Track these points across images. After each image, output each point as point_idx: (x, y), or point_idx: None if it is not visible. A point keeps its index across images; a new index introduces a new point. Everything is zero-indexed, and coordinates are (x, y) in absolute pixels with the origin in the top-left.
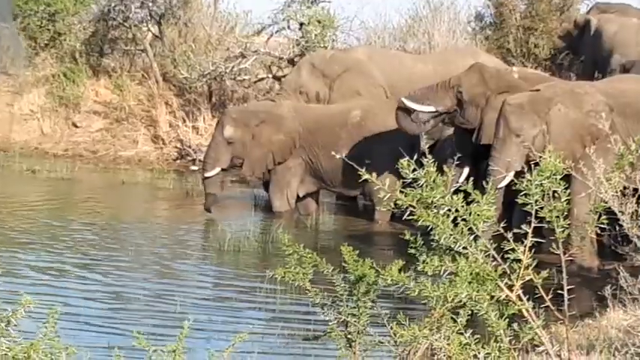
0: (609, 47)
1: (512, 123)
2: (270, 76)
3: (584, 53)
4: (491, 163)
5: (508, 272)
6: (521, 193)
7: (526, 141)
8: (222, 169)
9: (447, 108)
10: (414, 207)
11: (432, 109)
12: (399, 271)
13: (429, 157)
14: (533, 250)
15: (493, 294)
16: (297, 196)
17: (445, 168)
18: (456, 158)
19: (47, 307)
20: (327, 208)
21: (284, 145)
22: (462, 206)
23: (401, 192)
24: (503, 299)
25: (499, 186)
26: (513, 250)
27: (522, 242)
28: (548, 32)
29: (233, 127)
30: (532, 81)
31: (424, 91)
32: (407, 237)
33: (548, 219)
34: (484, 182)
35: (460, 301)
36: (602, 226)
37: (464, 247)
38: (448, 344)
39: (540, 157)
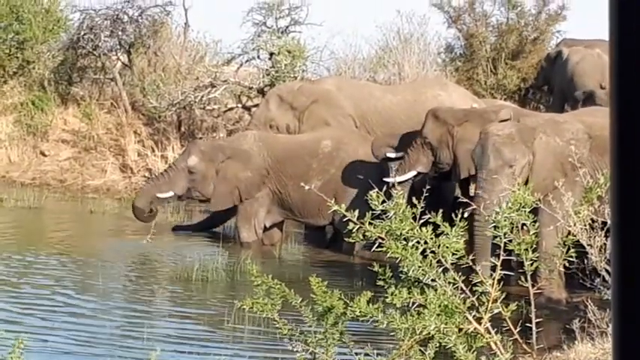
0: (570, 77)
1: (505, 154)
2: (240, 105)
3: (554, 84)
4: (482, 195)
5: (476, 305)
6: (490, 226)
7: (516, 172)
8: (177, 196)
9: (427, 165)
10: (383, 238)
11: (414, 173)
12: (368, 302)
13: (399, 188)
14: (501, 283)
15: (461, 326)
16: (264, 227)
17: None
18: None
19: (12, 338)
20: (295, 238)
21: (251, 183)
22: (431, 238)
23: (370, 223)
24: (472, 332)
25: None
26: (482, 282)
27: (491, 275)
28: (518, 65)
29: (198, 159)
30: (498, 112)
31: (400, 164)
32: (376, 268)
33: (517, 252)
34: (452, 213)
35: (428, 334)
36: (571, 259)
37: (432, 280)
38: None
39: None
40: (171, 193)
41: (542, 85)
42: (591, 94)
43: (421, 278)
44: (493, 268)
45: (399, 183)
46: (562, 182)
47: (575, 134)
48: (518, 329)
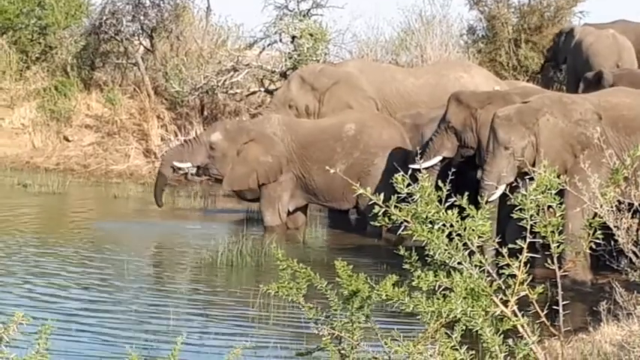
0: (585, 58)
1: (500, 135)
2: (262, 89)
3: (566, 63)
4: (482, 176)
5: (503, 288)
6: (516, 208)
7: (515, 153)
8: (194, 168)
9: (452, 149)
10: (409, 222)
11: (439, 158)
12: (393, 286)
13: (424, 171)
14: (527, 265)
15: (488, 309)
16: (288, 211)
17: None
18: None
19: (39, 322)
20: (319, 222)
21: (270, 168)
22: (457, 221)
23: (395, 207)
24: (498, 315)
25: (491, 199)
26: (508, 265)
27: (517, 257)
28: (540, 44)
29: (221, 136)
30: (522, 94)
31: (427, 148)
32: (401, 252)
33: (543, 234)
34: (478, 196)
35: (455, 317)
36: (597, 241)
37: (459, 263)
38: None
39: (534, 171)
40: (189, 164)
41: (551, 59)
42: (599, 75)
43: (447, 261)
44: (519, 251)
45: (425, 169)
46: (587, 164)
47: (583, 115)
48: (544, 312)
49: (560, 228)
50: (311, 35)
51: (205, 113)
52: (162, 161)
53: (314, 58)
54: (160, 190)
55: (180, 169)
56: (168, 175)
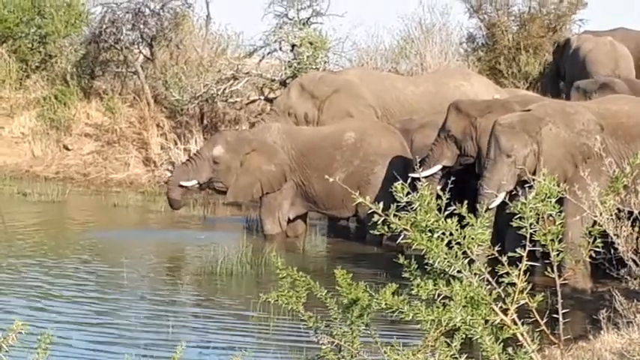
0: (582, 65)
1: (502, 143)
2: (262, 97)
3: (564, 72)
4: (482, 184)
5: (503, 296)
6: (516, 217)
7: (517, 161)
8: (199, 184)
9: (451, 158)
10: (408, 230)
11: (439, 166)
12: (393, 294)
13: (423, 180)
14: (527, 274)
15: (488, 318)
16: (288, 219)
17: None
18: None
19: (38, 331)
20: (319, 230)
21: (273, 177)
22: (456, 229)
23: (395, 215)
24: (498, 323)
25: (491, 206)
26: (508, 273)
27: (517, 265)
28: (539, 49)
29: (223, 149)
30: (522, 103)
31: (427, 157)
32: (401, 260)
33: (542, 242)
34: (477, 204)
35: (454, 325)
36: (597, 249)
37: (458, 271)
38: None
39: (534, 179)
40: (194, 182)
41: (555, 73)
42: (607, 83)
43: (447, 270)
44: (519, 259)
45: (425, 177)
46: (587, 172)
47: (585, 125)
48: (544, 320)
49: (560, 236)
50: (311, 43)
51: (205, 122)
52: (170, 186)
53: (314, 67)
54: (178, 209)
55: (187, 187)
56: (179, 198)
